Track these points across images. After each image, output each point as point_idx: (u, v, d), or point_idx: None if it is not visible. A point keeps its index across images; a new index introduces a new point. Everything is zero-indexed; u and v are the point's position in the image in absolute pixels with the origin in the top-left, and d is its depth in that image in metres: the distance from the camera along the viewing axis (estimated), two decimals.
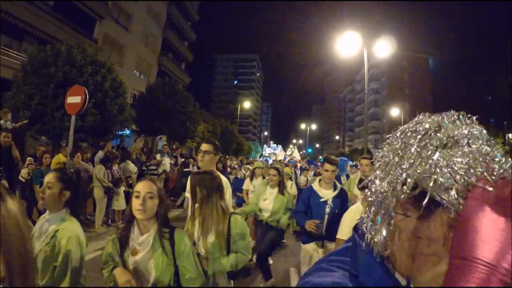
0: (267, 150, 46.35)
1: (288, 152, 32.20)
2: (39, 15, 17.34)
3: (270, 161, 21.80)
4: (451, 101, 70.13)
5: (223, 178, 3.44)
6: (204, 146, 3.46)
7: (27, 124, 10.09)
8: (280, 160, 21.50)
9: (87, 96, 6.42)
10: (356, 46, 12.37)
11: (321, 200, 3.84)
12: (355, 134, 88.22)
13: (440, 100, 69.47)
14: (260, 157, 49.49)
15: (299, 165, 16.14)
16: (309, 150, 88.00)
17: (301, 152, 44.42)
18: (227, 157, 27.89)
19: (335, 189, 3.93)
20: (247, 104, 55.82)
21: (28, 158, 7.13)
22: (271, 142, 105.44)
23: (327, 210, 3.79)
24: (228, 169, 11.74)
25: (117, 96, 12.28)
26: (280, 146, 51.61)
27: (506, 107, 41.69)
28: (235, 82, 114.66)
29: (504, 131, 29.65)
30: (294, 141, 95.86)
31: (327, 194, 3.88)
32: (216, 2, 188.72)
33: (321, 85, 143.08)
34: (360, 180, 3.57)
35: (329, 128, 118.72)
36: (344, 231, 3.09)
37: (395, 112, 48.47)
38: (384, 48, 12.72)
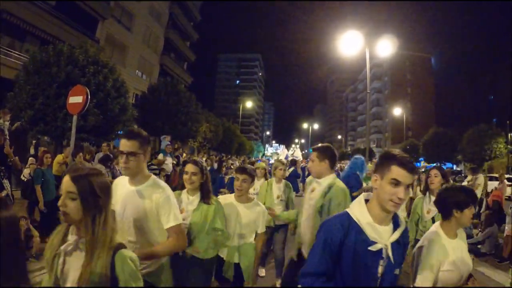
0: (269, 150, 46.43)
1: (290, 152, 32.18)
2: (41, 15, 17.41)
3: (272, 161, 21.74)
4: (453, 100, 69.83)
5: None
6: (126, 145, 2.10)
7: (30, 124, 10.12)
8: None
9: (89, 96, 6.41)
10: (359, 46, 12.37)
11: (372, 248, 1.62)
12: (357, 134, 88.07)
13: (443, 100, 69.27)
14: (262, 156, 49.57)
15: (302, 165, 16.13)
16: (311, 150, 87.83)
17: (303, 152, 44.42)
18: (229, 156, 27.90)
19: (396, 224, 1.74)
20: (249, 104, 55.79)
21: (30, 158, 7.16)
22: (273, 141, 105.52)
23: (381, 268, 1.65)
24: (224, 169, 11.69)
25: (119, 96, 12.31)
26: (282, 146, 51.65)
27: (508, 107, 41.52)
28: (237, 81, 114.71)
29: (506, 131, 29.53)
30: (296, 140, 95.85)
31: (384, 234, 1.67)
32: (219, 2, 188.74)
33: (323, 84, 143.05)
34: (440, 196, 2.24)
35: (331, 128, 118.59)
36: (429, 276, 2.00)
37: (397, 111, 48.39)
38: (386, 47, 12.71)
